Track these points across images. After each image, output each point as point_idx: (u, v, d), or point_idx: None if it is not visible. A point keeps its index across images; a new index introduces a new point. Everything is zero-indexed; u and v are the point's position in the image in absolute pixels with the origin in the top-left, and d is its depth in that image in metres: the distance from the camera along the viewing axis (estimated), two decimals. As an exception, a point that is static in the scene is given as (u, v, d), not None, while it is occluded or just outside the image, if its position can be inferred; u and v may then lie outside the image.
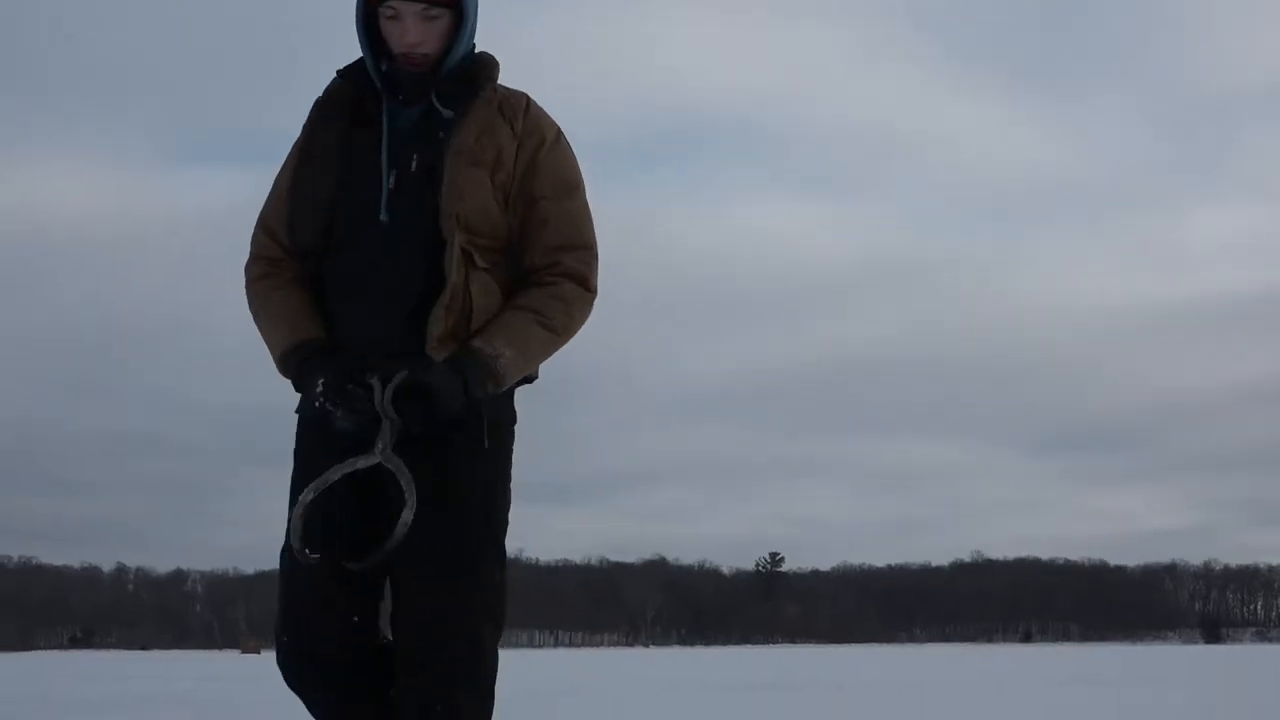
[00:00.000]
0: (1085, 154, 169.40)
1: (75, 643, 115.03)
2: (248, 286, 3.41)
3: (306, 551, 3.19)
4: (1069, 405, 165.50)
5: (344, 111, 3.33)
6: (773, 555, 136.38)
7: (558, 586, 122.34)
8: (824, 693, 18.56)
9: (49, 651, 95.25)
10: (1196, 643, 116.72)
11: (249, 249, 3.44)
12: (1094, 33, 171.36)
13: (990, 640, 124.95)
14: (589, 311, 3.36)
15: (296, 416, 3.40)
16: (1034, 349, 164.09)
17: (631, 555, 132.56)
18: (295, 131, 3.43)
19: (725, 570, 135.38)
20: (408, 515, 3.15)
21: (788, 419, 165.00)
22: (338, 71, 3.37)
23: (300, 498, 3.19)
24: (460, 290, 3.22)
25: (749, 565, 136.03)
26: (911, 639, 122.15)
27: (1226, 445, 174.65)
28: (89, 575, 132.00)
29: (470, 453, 3.26)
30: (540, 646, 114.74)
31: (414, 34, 3.25)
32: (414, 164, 3.26)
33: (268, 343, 3.33)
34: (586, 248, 3.36)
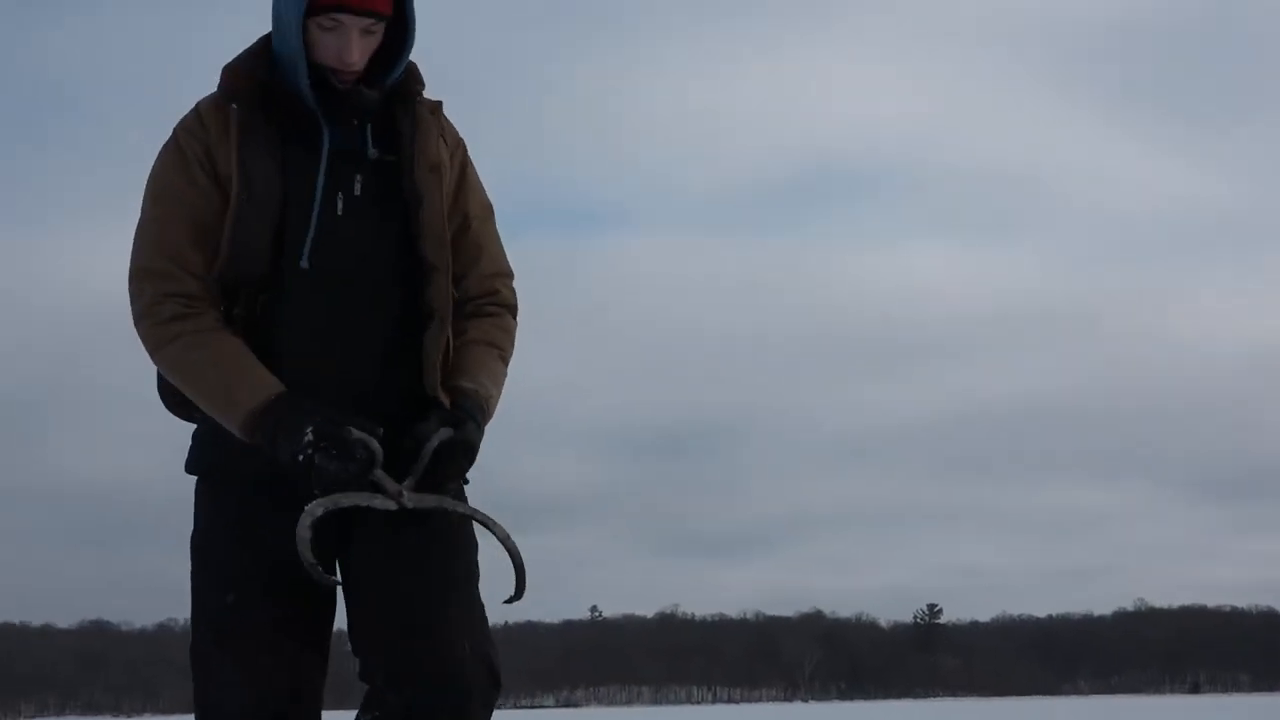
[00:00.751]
0: (1238, 187, 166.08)
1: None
2: (159, 330, 2.95)
3: (320, 568, 2.84)
4: (1232, 448, 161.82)
5: (271, 130, 3.00)
6: (930, 607, 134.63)
7: (715, 642, 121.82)
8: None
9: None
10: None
11: (143, 289, 2.98)
12: (1241, 63, 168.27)
13: (1157, 691, 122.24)
14: None
15: (196, 479, 3.08)
16: (1194, 391, 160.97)
17: (788, 609, 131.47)
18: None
19: (883, 623, 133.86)
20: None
21: (944, 467, 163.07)
22: (234, 79, 3.02)
23: (308, 508, 2.84)
24: (448, 323, 3.04)
25: (906, 617, 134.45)
26: (1075, 690, 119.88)
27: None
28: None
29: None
30: (699, 703, 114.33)
31: (357, 50, 2.96)
32: (357, 186, 3.01)
33: (224, 398, 2.92)
34: (512, 276, 3.21)
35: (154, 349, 2.98)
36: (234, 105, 2.99)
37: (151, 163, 3.07)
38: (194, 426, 3.11)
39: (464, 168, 3.14)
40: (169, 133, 3.04)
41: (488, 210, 3.18)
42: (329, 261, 2.98)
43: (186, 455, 3.11)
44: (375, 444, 2.87)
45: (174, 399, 3.09)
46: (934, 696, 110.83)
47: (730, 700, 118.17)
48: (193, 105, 3.05)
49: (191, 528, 3.09)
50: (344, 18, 2.93)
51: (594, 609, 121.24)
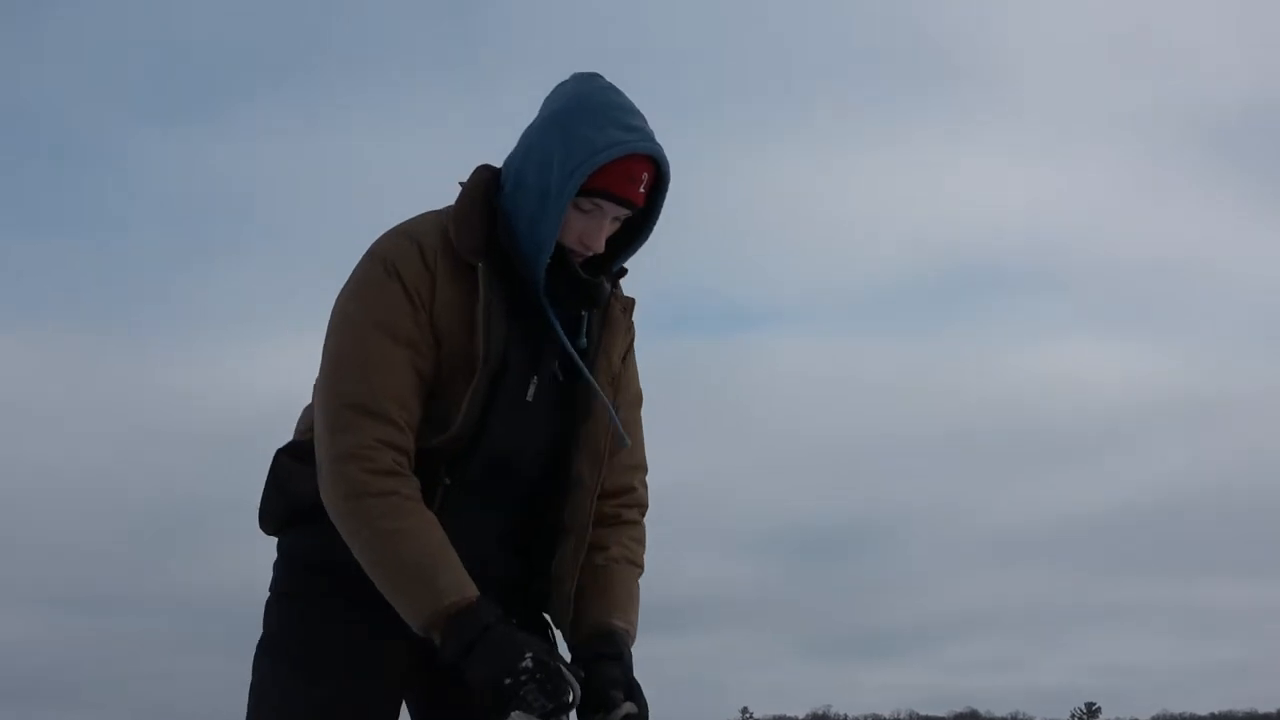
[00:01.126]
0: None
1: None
2: (369, 480, 2.67)
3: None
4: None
5: (501, 296, 2.78)
6: (1088, 705, 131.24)
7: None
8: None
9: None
10: None
11: (360, 426, 2.69)
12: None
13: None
14: None
15: (302, 621, 2.84)
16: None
17: (942, 708, 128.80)
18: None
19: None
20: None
21: (1100, 562, 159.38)
22: (473, 230, 2.78)
23: (514, 716, 2.67)
24: (584, 547, 2.86)
25: (1064, 716, 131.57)
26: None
27: None
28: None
29: None
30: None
31: (603, 237, 2.79)
32: (546, 374, 2.83)
33: (422, 580, 2.67)
34: (647, 470, 2.99)
35: (350, 496, 2.68)
36: (481, 265, 2.75)
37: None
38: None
39: (627, 355, 2.96)
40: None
41: (638, 399, 2.99)
42: (504, 448, 2.80)
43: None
44: (579, 690, 2.73)
45: (274, 515, 2.91)
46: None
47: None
48: (400, 232, 2.81)
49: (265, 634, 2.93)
50: (607, 204, 2.75)
51: (745, 710, 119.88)
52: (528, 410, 2.80)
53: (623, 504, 2.93)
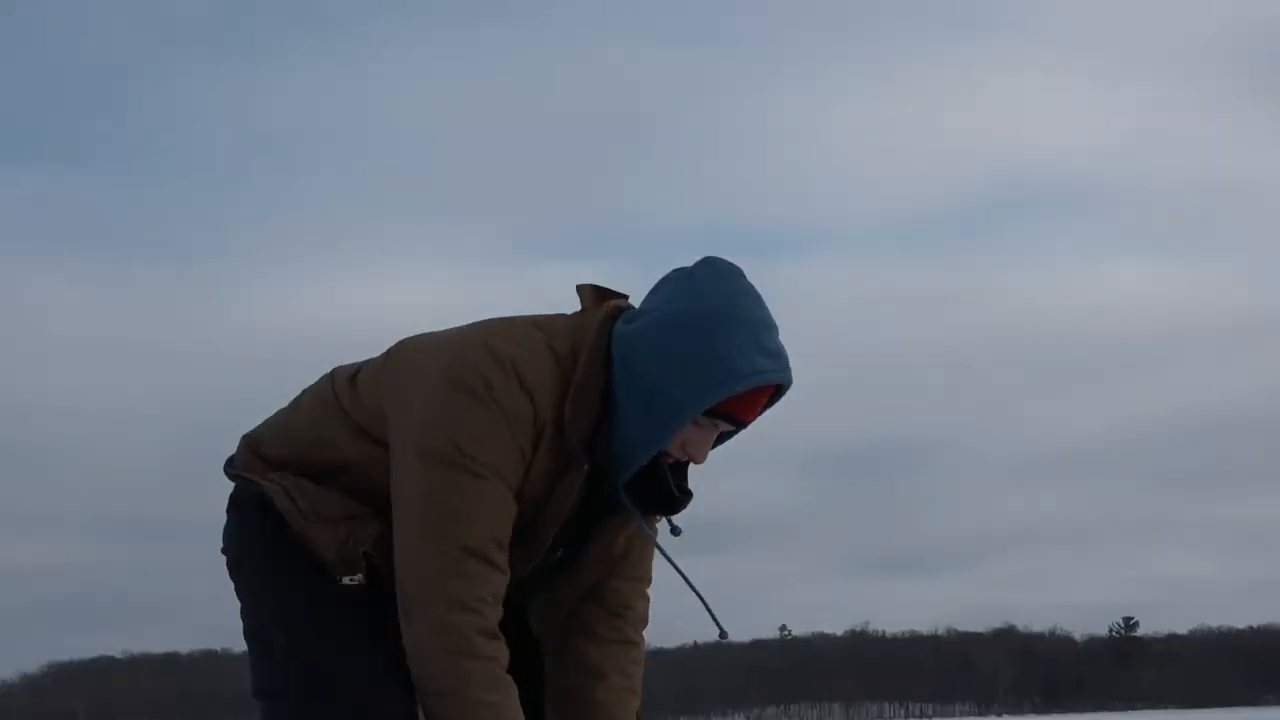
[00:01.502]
0: None
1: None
2: (476, 640, 2.52)
3: None
4: None
5: (589, 485, 2.66)
6: (1126, 620, 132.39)
7: (906, 658, 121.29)
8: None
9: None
10: None
11: (478, 574, 2.54)
12: None
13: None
14: None
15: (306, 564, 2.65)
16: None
17: (980, 624, 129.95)
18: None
19: (1077, 637, 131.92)
20: None
21: (1138, 480, 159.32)
22: (584, 417, 2.59)
23: None
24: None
25: (1102, 631, 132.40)
26: (1278, 702, 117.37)
27: None
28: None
29: None
30: (892, 719, 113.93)
31: (708, 451, 2.64)
32: (562, 552, 2.76)
33: None
34: (650, 581, 2.85)
35: (454, 652, 2.52)
36: (587, 466, 2.61)
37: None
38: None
39: None
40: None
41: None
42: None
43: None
44: None
45: (246, 463, 2.79)
46: (1132, 709, 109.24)
47: (923, 715, 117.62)
48: (515, 378, 2.56)
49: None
50: (724, 424, 2.60)
51: (784, 628, 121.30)
52: (540, 569, 2.75)
53: (625, 620, 2.82)
